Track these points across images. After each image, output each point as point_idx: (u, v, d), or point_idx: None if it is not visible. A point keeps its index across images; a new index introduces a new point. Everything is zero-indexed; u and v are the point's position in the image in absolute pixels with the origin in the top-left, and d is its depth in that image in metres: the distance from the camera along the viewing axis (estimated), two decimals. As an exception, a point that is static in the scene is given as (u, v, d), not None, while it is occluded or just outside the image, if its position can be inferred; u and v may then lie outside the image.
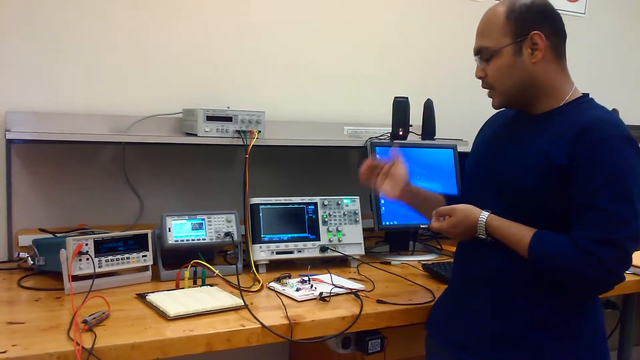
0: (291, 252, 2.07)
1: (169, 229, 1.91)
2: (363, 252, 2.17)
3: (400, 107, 2.46)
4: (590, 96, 1.52)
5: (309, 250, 2.09)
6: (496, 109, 1.57)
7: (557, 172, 1.38)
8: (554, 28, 1.47)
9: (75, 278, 1.70)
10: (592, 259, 1.32)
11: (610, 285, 1.40)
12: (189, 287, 1.80)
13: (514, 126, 1.57)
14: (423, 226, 2.38)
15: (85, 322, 1.43)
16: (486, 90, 1.55)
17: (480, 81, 1.55)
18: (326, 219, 2.13)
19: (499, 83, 1.49)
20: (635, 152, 1.38)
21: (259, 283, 1.87)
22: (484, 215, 1.48)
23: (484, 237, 1.48)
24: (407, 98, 2.47)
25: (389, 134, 2.49)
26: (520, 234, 1.43)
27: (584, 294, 1.46)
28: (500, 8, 1.47)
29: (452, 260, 2.14)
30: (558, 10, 1.50)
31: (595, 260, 1.31)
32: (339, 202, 2.18)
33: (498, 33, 1.46)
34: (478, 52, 1.51)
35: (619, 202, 1.33)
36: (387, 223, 2.30)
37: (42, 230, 2.11)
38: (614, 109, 2.73)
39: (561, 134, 1.41)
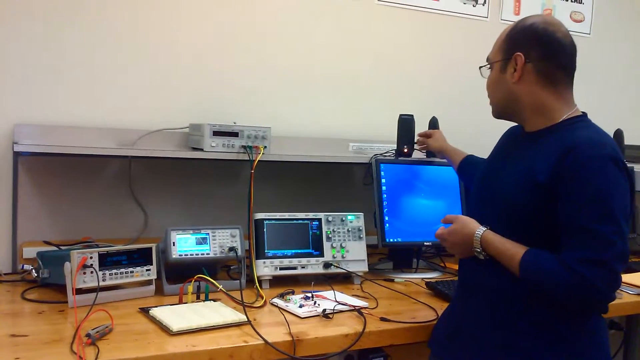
0: (295, 268, 2.07)
1: (173, 243, 1.91)
2: (367, 269, 2.17)
3: (406, 124, 2.47)
4: (588, 116, 1.53)
5: (313, 266, 2.09)
6: (493, 117, 1.64)
7: (540, 189, 1.40)
8: (545, 53, 1.48)
9: (79, 291, 1.71)
10: (579, 278, 1.33)
11: (599, 304, 1.42)
12: (193, 301, 1.80)
13: (512, 144, 1.62)
14: (427, 244, 2.38)
15: (88, 335, 1.43)
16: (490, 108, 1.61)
17: (486, 98, 1.64)
18: (330, 235, 2.13)
19: (489, 95, 1.61)
20: (620, 173, 1.38)
21: (262, 299, 1.86)
22: (481, 229, 1.51)
23: (479, 250, 1.50)
24: (412, 115, 2.47)
25: (394, 151, 2.50)
26: (512, 250, 1.44)
27: (577, 311, 1.45)
28: (510, 25, 1.55)
29: (455, 278, 2.15)
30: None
31: (583, 280, 1.32)
32: (343, 219, 2.18)
33: (497, 48, 1.56)
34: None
35: (604, 223, 1.34)
36: (391, 240, 2.30)
37: (47, 243, 2.12)
38: (618, 129, 2.73)
39: (547, 152, 1.43)
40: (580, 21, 3.29)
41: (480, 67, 1.63)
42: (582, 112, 1.52)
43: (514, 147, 1.59)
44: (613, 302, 1.44)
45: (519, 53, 1.48)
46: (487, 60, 1.60)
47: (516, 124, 1.66)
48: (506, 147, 1.65)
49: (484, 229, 1.50)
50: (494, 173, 1.59)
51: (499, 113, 1.61)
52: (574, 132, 1.44)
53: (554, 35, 1.48)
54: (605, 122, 1.52)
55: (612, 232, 1.34)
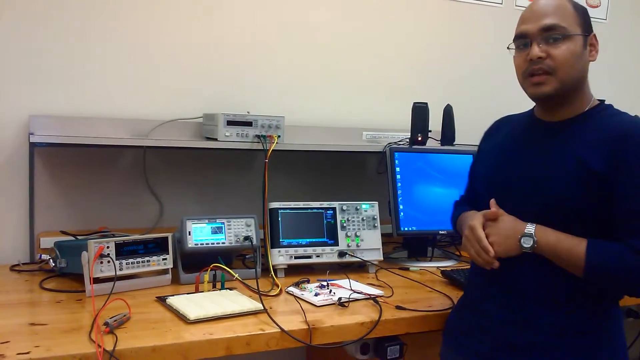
0: (309, 257, 2.07)
1: (189, 232, 1.92)
2: (381, 258, 2.16)
3: (420, 112, 2.45)
4: (607, 102, 1.51)
5: (328, 255, 2.09)
6: (543, 97, 1.46)
7: (595, 179, 1.36)
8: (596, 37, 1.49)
9: (96, 280, 1.71)
10: None
11: None
12: (209, 290, 1.81)
13: (536, 133, 1.54)
14: (442, 232, 2.37)
15: (106, 324, 1.44)
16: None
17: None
18: (345, 224, 2.13)
19: (563, 68, 1.41)
20: None
21: (278, 287, 1.87)
22: (532, 226, 1.41)
23: (529, 246, 1.40)
24: (426, 103, 2.46)
25: (407, 140, 2.49)
26: (572, 241, 1.37)
27: (604, 298, 1.43)
28: (562, 0, 1.45)
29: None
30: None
31: None
32: (358, 207, 2.17)
33: (572, 19, 1.43)
34: (549, 29, 1.42)
35: None
36: (406, 229, 2.30)
37: (64, 233, 2.14)
38: (635, 115, 2.70)
39: (596, 140, 1.39)
40: (597, 6, 3.25)
41: (548, 38, 1.41)
42: (599, 99, 1.51)
43: (539, 136, 1.51)
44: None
45: (594, 34, 1.45)
46: (561, 28, 1.41)
47: (505, 116, 1.66)
48: (524, 135, 1.57)
49: (534, 226, 1.41)
50: (521, 162, 1.51)
51: (562, 91, 1.43)
52: (613, 117, 1.44)
53: None
54: (621, 107, 1.49)
55: None
